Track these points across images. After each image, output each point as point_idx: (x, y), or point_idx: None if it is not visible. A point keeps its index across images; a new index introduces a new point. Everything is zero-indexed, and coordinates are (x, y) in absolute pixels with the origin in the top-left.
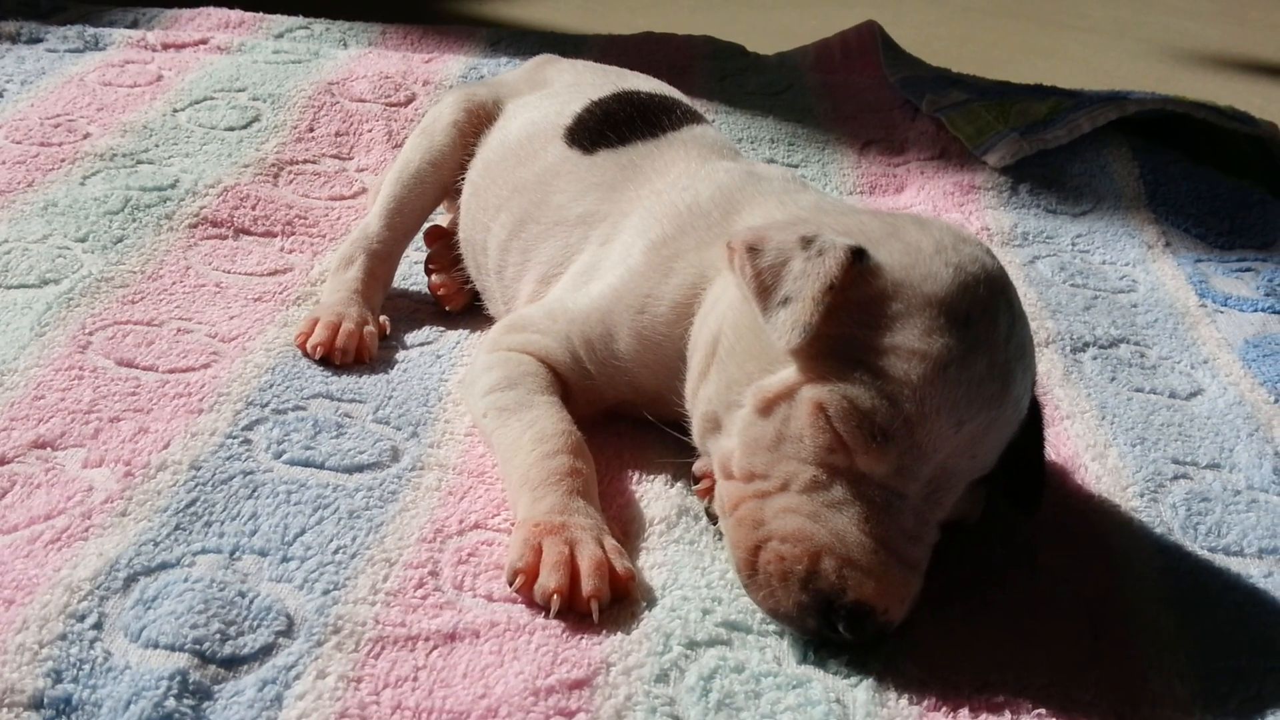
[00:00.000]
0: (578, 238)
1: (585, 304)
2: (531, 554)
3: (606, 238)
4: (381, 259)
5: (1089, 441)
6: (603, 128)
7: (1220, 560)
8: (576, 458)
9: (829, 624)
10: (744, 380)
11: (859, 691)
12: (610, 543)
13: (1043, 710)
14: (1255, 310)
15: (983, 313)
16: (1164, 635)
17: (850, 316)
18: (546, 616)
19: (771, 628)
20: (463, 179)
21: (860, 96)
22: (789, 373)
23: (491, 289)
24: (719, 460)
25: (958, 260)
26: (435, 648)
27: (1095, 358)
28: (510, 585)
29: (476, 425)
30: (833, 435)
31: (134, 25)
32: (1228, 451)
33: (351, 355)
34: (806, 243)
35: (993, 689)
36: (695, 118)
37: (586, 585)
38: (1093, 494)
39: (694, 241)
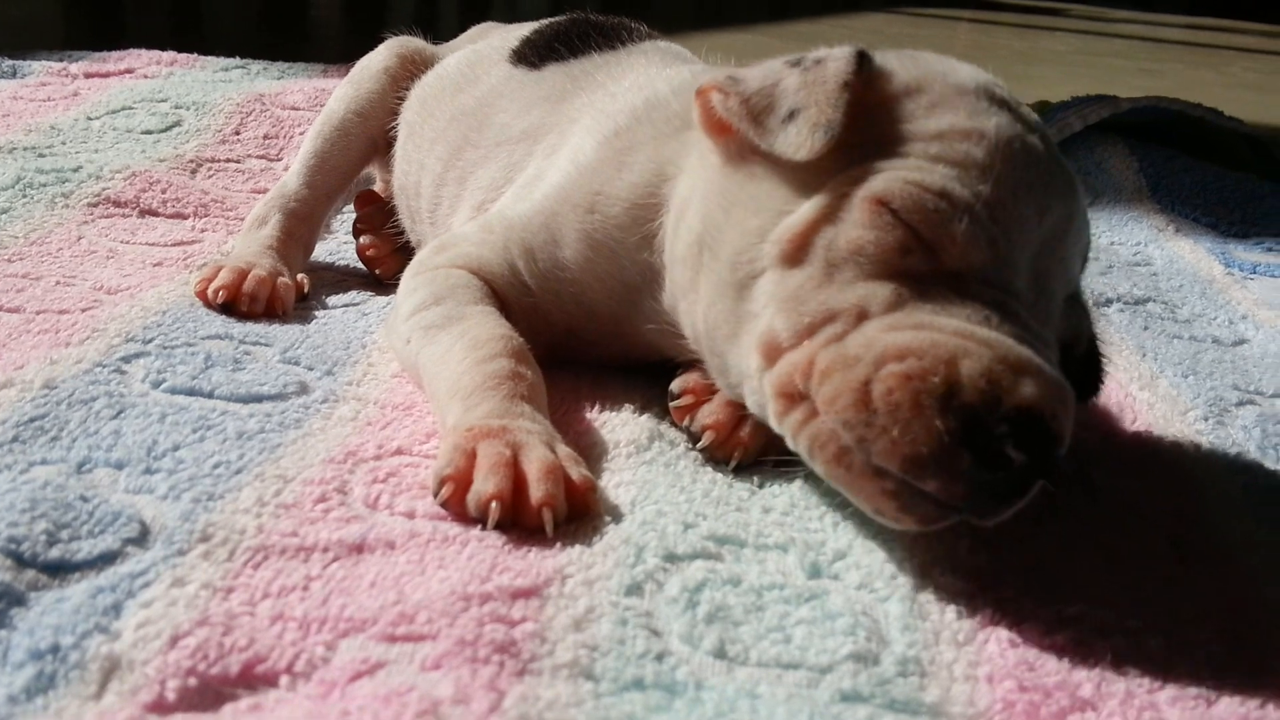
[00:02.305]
0: (521, 154)
1: (526, 209)
2: (464, 459)
3: (554, 148)
4: (300, 219)
5: (1133, 374)
6: (553, 43)
7: None
8: (518, 362)
9: (988, 454)
10: (754, 240)
11: (890, 605)
12: (564, 449)
13: (1136, 623)
14: None
15: (1018, 106)
16: (1270, 549)
17: (873, 119)
18: (484, 529)
19: (772, 541)
20: (395, 128)
21: None
22: (816, 200)
23: (425, 235)
24: (761, 346)
25: (967, 68)
26: (336, 559)
27: (1122, 311)
28: (436, 498)
29: (401, 359)
30: (904, 231)
31: (58, 61)
32: None
33: (261, 305)
34: (796, 61)
35: (1064, 602)
36: (656, 37)
37: (536, 491)
38: (1147, 420)
39: (650, 133)
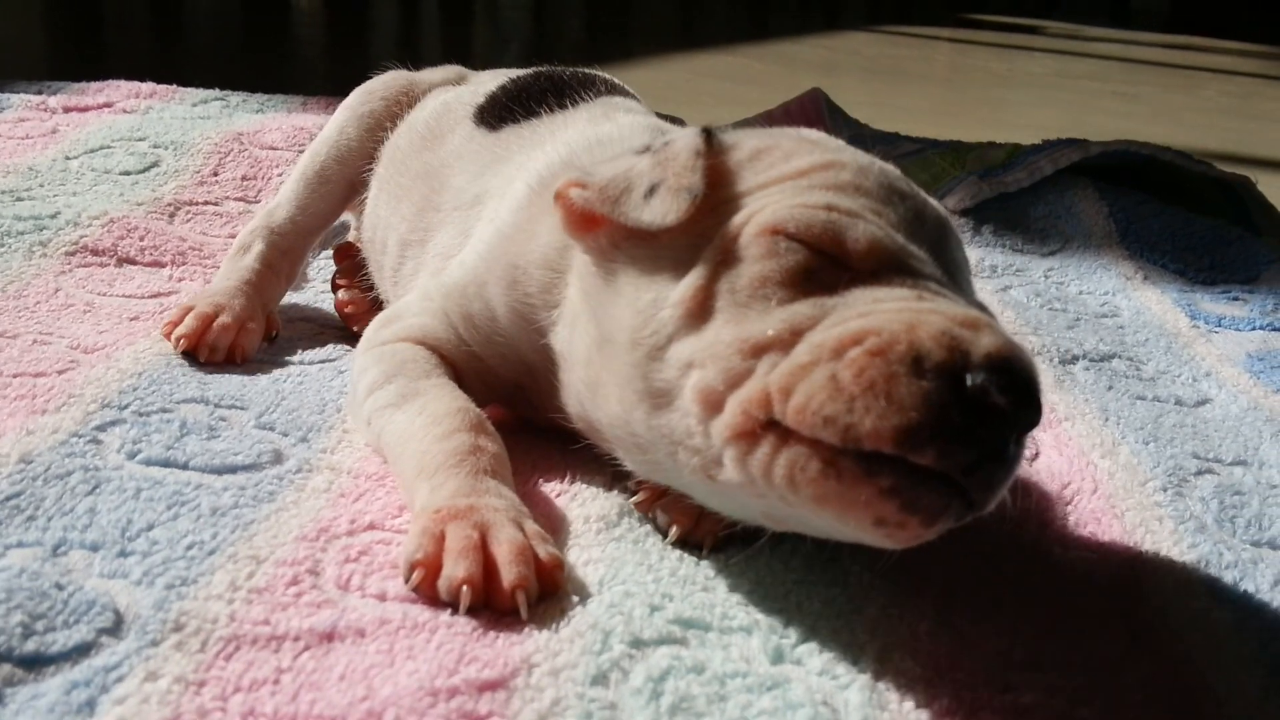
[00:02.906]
0: (473, 220)
1: (459, 275)
2: (432, 543)
3: (496, 213)
4: (282, 252)
5: (1095, 441)
6: (512, 103)
7: (1268, 554)
8: (479, 435)
9: (973, 406)
10: (651, 312)
11: (850, 693)
12: (531, 526)
13: (1087, 711)
14: (1253, 329)
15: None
16: (1219, 629)
17: (732, 183)
18: (455, 613)
19: (736, 624)
20: (370, 171)
21: None
22: (705, 255)
23: (389, 294)
24: (699, 398)
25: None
26: (306, 648)
27: (1087, 369)
28: (407, 583)
29: (366, 440)
30: (805, 251)
31: (37, 94)
32: (1253, 450)
33: (221, 354)
34: (644, 148)
35: (1018, 690)
36: (619, 91)
37: (509, 574)
38: (1108, 489)
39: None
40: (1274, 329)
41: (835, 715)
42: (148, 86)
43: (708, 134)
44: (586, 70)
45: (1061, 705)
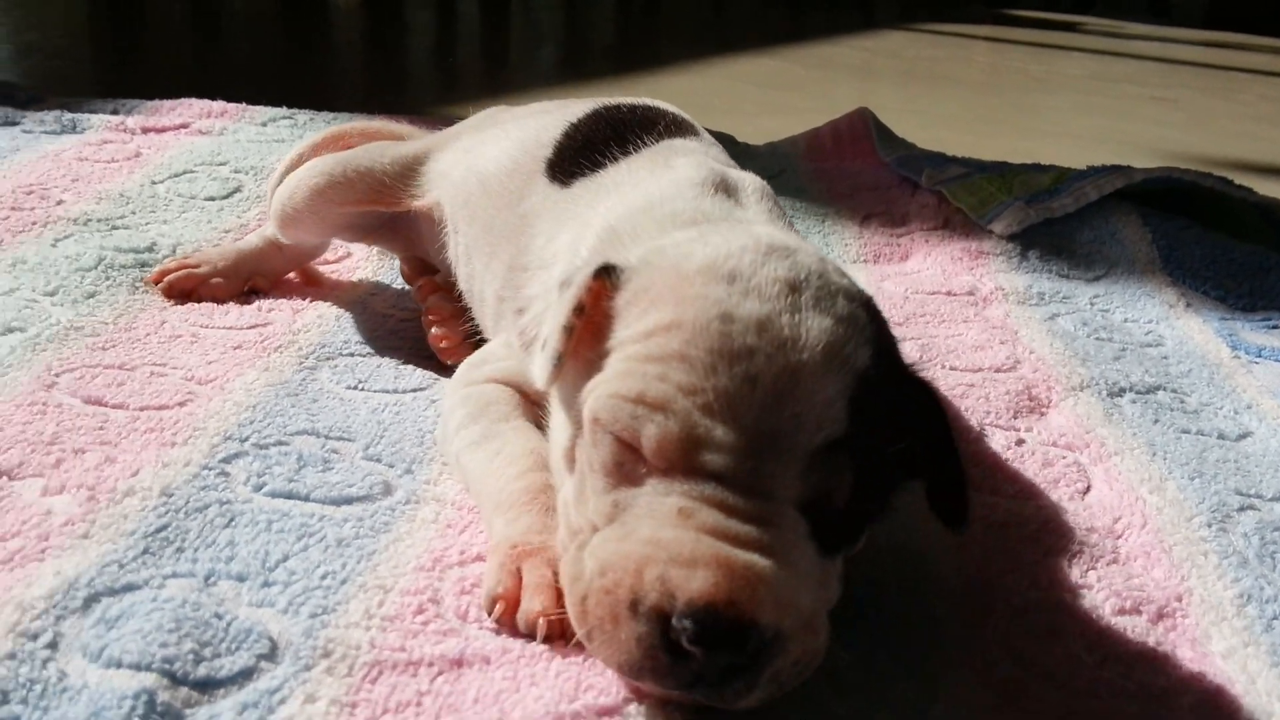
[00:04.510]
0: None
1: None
2: (510, 579)
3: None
4: (284, 247)
5: (1143, 476)
6: (579, 155)
7: None
8: (550, 474)
9: (680, 652)
10: (556, 444)
11: None
12: None
13: None
14: None
15: (750, 266)
16: (1257, 660)
17: (612, 328)
18: (534, 642)
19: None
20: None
21: (855, 178)
22: (572, 418)
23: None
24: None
25: (717, 242)
26: (440, 673)
27: (1134, 401)
28: (490, 615)
29: (454, 474)
30: (615, 442)
31: (114, 113)
32: None
33: (176, 293)
34: (565, 283)
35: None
36: (681, 130)
37: None
38: (1155, 525)
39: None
40: None
41: None
42: (219, 105)
43: (605, 272)
44: (649, 104)
45: None
